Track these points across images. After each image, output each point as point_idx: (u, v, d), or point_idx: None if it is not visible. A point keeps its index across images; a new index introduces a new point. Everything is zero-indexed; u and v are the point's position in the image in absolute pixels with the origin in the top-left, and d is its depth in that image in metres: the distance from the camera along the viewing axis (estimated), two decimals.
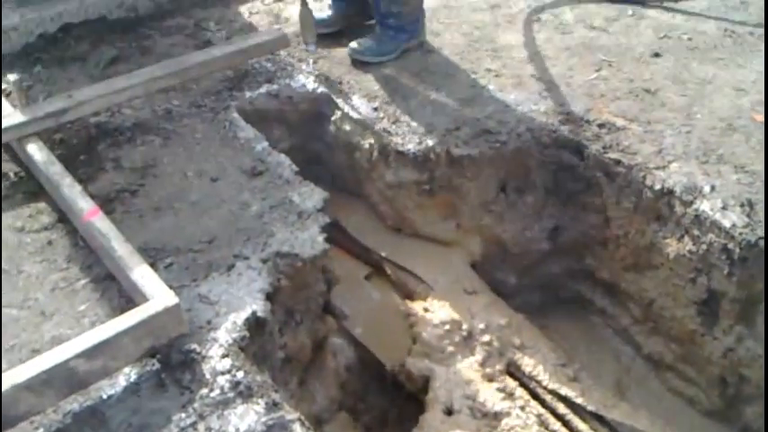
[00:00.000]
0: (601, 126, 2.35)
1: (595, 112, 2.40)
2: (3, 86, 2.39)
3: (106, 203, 1.95)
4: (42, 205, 1.97)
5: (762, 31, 2.81)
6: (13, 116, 2.06)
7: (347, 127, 2.47)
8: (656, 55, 2.70)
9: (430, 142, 2.31)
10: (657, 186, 2.14)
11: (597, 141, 2.30)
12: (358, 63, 2.62)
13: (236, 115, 2.37)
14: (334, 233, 2.22)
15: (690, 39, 2.80)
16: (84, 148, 2.16)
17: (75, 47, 2.64)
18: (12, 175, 2.06)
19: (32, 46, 2.64)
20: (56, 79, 2.47)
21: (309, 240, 1.92)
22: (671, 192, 2.11)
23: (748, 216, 1.99)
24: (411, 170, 2.33)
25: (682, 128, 2.32)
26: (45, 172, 1.93)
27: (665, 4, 3.02)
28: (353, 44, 2.64)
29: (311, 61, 2.66)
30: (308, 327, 1.99)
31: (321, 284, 2.01)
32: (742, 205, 2.02)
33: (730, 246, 1.98)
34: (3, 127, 2.00)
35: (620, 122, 2.35)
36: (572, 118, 2.38)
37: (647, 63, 2.65)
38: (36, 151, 1.99)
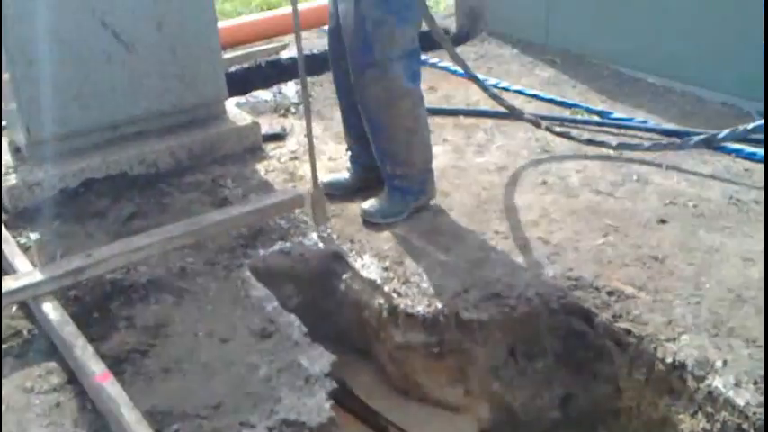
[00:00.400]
0: (610, 293, 2.38)
1: (604, 278, 2.44)
2: (23, 241, 2.49)
3: (116, 364, 1.98)
4: (53, 365, 2.00)
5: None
6: (31, 275, 2.14)
7: (357, 286, 2.54)
8: (663, 221, 2.76)
9: (439, 305, 2.35)
10: (669, 359, 2.14)
11: (607, 309, 2.33)
12: (369, 223, 2.73)
13: (248, 273, 2.45)
14: (341, 394, 2.23)
15: (695, 206, 2.86)
16: (97, 305, 2.22)
17: (96, 202, 2.77)
18: (25, 332, 2.11)
19: (53, 201, 2.76)
20: (74, 235, 2.57)
21: (316, 408, 1.93)
22: (683, 365, 2.11)
23: (761, 394, 1.96)
24: (420, 332, 2.36)
25: (691, 298, 2.33)
26: (59, 332, 1.98)
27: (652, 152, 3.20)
28: (364, 205, 2.77)
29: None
30: None
31: None
32: (755, 382, 2.01)
33: (744, 426, 1.95)
34: (21, 285, 2.07)
35: (628, 290, 2.38)
36: (581, 284, 2.42)
37: (654, 230, 2.71)
38: (51, 311, 2.05)
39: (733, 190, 2.95)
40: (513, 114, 3.33)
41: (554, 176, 3.11)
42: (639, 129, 3.45)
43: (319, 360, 2.09)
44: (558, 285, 2.42)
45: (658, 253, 2.56)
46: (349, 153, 3.00)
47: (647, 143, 3.20)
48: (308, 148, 2.65)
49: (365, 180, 2.92)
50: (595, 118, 3.58)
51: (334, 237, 2.69)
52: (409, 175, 2.75)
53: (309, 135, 2.62)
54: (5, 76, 2.78)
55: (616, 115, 3.58)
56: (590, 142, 3.25)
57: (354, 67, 2.61)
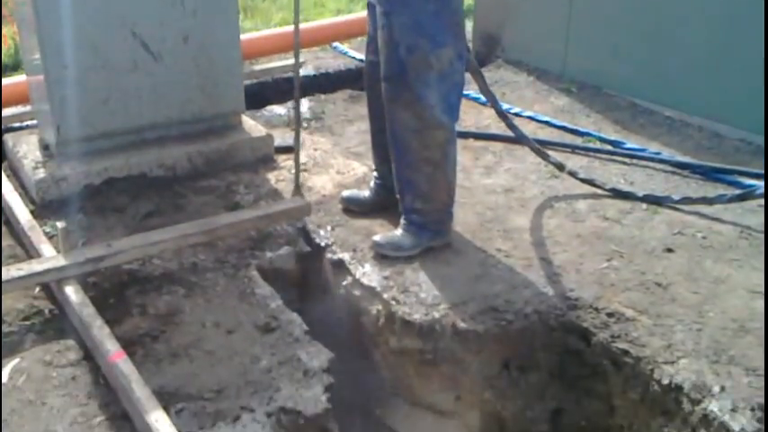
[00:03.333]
0: (610, 315, 2.53)
1: (605, 300, 2.59)
2: (48, 230, 2.83)
3: (129, 345, 2.27)
4: (71, 342, 2.31)
5: None
6: (55, 260, 2.47)
7: (357, 292, 2.81)
8: (669, 250, 2.88)
9: (436, 314, 2.58)
10: (665, 381, 2.27)
11: (605, 330, 2.48)
12: (380, 256, 2.87)
13: (255, 273, 2.74)
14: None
15: (704, 237, 2.98)
16: (114, 292, 2.54)
17: (116, 199, 3.12)
18: (47, 312, 2.43)
19: (78, 195, 3.11)
20: (95, 227, 2.91)
21: (313, 399, 2.19)
22: (679, 387, 2.23)
23: (758, 421, 2.07)
24: (415, 339, 2.62)
25: (693, 325, 2.44)
26: (78, 313, 2.29)
27: (682, 206, 3.25)
28: (377, 237, 2.90)
29: (329, 228, 3.05)
30: None
31: None
32: (752, 409, 2.10)
33: None
34: (46, 268, 2.40)
35: (629, 313, 2.53)
36: (580, 304, 2.58)
37: (660, 257, 2.83)
38: (72, 293, 2.37)
39: (745, 224, 3.07)
40: (539, 154, 3.45)
41: (561, 201, 3.30)
42: (652, 160, 3.65)
43: (318, 356, 2.37)
44: (558, 304, 2.59)
45: (663, 280, 2.70)
46: (375, 173, 3.19)
47: (676, 196, 3.26)
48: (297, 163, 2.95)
49: (384, 200, 3.08)
50: (607, 147, 3.81)
51: (335, 245, 2.95)
52: (428, 212, 2.84)
53: (297, 141, 2.93)
54: (40, 77, 3.14)
55: (629, 145, 3.80)
56: (614, 191, 3.32)
57: (388, 92, 2.71)
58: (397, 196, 2.91)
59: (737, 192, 3.22)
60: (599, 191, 3.37)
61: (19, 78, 4.14)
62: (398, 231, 2.91)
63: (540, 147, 3.47)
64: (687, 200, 3.24)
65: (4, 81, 4.12)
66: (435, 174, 2.81)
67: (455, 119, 2.81)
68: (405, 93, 2.68)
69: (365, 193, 3.18)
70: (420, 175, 2.80)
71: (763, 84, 3.52)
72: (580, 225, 3.12)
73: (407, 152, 2.78)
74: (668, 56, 4.16)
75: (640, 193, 3.30)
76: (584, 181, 3.40)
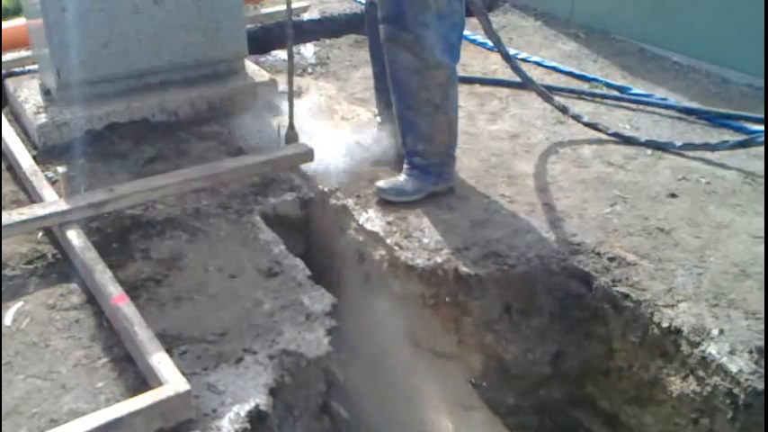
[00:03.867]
0: (611, 260, 2.53)
1: (607, 245, 2.59)
2: (50, 175, 2.80)
3: (132, 290, 2.27)
4: (74, 286, 2.31)
5: None
6: (57, 204, 2.45)
7: (360, 238, 2.80)
8: (673, 195, 2.88)
9: (438, 259, 2.58)
10: (665, 324, 2.28)
11: (606, 274, 2.48)
12: (384, 201, 2.85)
13: (258, 218, 2.73)
14: None
15: (708, 183, 2.97)
16: (117, 237, 2.53)
17: (119, 144, 3.09)
18: (50, 256, 2.43)
19: (79, 141, 3.08)
20: (98, 172, 2.89)
21: (315, 342, 2.19)
22: (678, 331, 2.25)
23: (756, 363, 2.09)
24: (418, 283, 2.62)
25: (694, 269, 2.46)
26: (81, 257, 2.28)
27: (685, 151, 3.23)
28: (380, 183, 2.88)
29: (333, 174, 3.03)
30: (304, 425, 2.23)
31: (322, 385, 2.27)
32: (750, 352, 2.12)
33: (735, 391, 2.09)
34: (48, 213, 2.38)
35: (630, 258, 2.53)
36: (582, 249, 2.58)
37: (663, 203, 2.83)
38: (75, 237, 2.35)
39: (749, 170, 3.05)
40: (543, 97, 3.42)
41: (566, 147, 3.28)
42: (659, 105, 3.61)
43: (321, 300, 2.36)
44: (560, 249, 2.59)
45: (665, 225, 2.70)
46: (378, 119, 3.16)
47: (678, 142, 3.25)
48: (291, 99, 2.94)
49: (388, 145, 3.07)
50: (614, 93, 3.76)
51: (338, 190, 2.93)
52: (430, 154, 2.82)
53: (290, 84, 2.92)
54: (39, 21, 3.08)
55: (635, 91, 3.75)
56: (617, 136, 3.30)
57: (386, 33, 2.68)
58: (400, 138, 2.89)
59: (740, 138, 3.19)
60: (603, 136, 3.33)
61: (19, 22, 4.06)
62: (402, 177, 2.88)
63: (544, 90, 3.42)
64: (690, 146, 3.22)
65: (5, 25, 4.05)
66: (436, 115, 2.78)
67: (455, 59, 2.77)
68: (403, 33, 2.64)
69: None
70: (421, 117, 2.78)
71: None
72: (584, 170, 3.10)
73: (408, 93, 2.74)
74: (676, 0, 4.07)
75: (643, 138, 3.27)
76: (587, 125, 3.36)
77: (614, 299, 2.45)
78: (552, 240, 2.65)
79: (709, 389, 2.18)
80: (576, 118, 3.39)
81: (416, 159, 2.85)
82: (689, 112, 3.56)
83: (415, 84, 2.71)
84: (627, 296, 2.42)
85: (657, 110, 3.61)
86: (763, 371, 2.10)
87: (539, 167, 3.12)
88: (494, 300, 2.62)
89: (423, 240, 2.67)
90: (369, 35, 3.01)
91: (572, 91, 3.77)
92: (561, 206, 2.84)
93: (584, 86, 3.85)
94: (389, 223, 2.75)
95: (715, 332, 2.20)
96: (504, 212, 2.81)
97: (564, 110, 3.41)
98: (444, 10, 2.64)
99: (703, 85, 3.87)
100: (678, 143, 3.23)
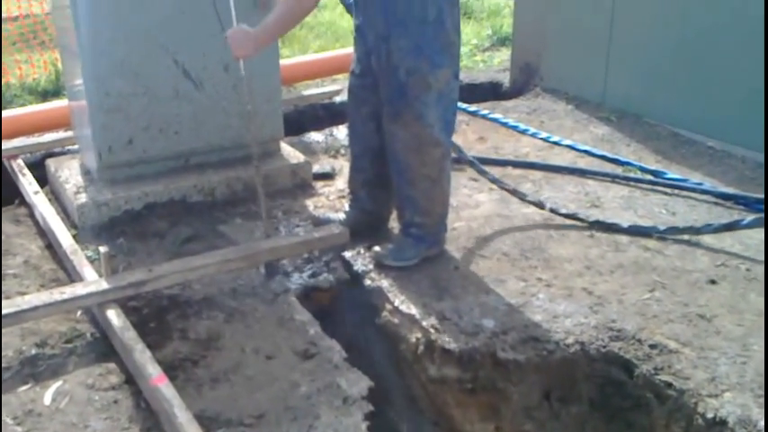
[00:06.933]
0: (653, 347, 2.53)
1: (647, 332, 2.60)
2: (90, 254, 2.90)
3: (170, 370, 2.32)
4: (112, 366, 2.36)
5: None
6: (97, 283, 2.53)
7: (396, 320, 2.83)
8: (713, 282, 2.89)
9: (476, 343, 2.60)
10: (710, 415, 2.26)
11: (648, 361, 2.48)
12: (380, 265, 2.99)
13: (293, 299, 2.78)
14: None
15: (748, 269, 2.98)
16: (155, 316, 2.60)
17: (156, 224, 3.20)
18: (88, 335, 2.49)
19: (118, 220, 3.21)
20: (136, 252, 2.99)
21: (353, 427, 2.20)
22: (724, 422, 2.22)
23: None
24: (455, 368, 2.63)
25: (737, 358, 2.45)
26: (120, 337, 2.34)
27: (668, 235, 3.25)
28: (377, 248, 3.07)
29: (367, 255, 3.08)
30: None
31: None
32: None
33: None
34: (89, 292, 2.46)
35: (672, 345, 2.53)
36: (623, 335, 2.59)
37: (703, 289, 2.84)
38: (114, 317, 2.42)
39: None
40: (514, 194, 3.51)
41: (602, 229, 3.30)
42: (695, 190, 3.65)
43: (357, 383, 2.38)
44: (600, 335, 2.60)
45: (706, 312, 2.70)
46: (350, 197, 3.29)
47: (662, 227, 3.27)
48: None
49: (358, 224, 3.18)
50: (648, 177, 3.82)
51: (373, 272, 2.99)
52: (426, 224, 3.00)
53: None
54: (82, 103, 3.25)
55: (670, 175, 3.80)
56: (598, 223, 3.32)
57: (389, 113, 2.86)
58: (397, 210, 3.08)
59: (724, 222, 3.25)
60: (639, 220, 3.38)
61: (60, 103, 4.28)
62: (397, 243, 3.06)
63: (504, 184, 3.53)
64: (674, 230, 3.26)
65: (47, 105, 4.27)
66: (433, 189, 2.96)
67: (451, 135, 2.97)
68: (405, 113, 2.81)
69: (340, 216, 3.25)
70: (419, 191, 2.95)
71: None
72: (621, 255, 3.13)
73: (407, 169, 2.92)
74: (710, 85, 4.18)
75: (625, 225, 3.31)
76: (566, 216, 3.41)
77: (657, 387, 2.44)
78: (591, 326, 2.66)
79: None
80: (554, 211, 3.43)
81: (413, 230, 3.02)
82: (726, 197, 3.59)
83: (415, 161, 2.89)
84: (670, 385, 2.41)
85: (693, 194, 3.65)
86: None
87: (575, 251, 3.15)
88: (533, 386, 2.62)
89: (459, 323, 2.69)
90: (350, 114, 3.15)
91: (606, 175, 3.84)
92: (599, 291, 2.86)
93: (618, 170, 3.92)
94: (425, 305, 2.79)
95: (761, 424, 2.18)
96: (542, 296, 2.83)
97: (540, 205, 3.47)
98: (444, 89, 2.83)
99: (739, 171, 3.91)
100: (662, 228, 3.28)
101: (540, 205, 3.44)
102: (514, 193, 3.52)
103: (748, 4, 3.91)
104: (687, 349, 2.52)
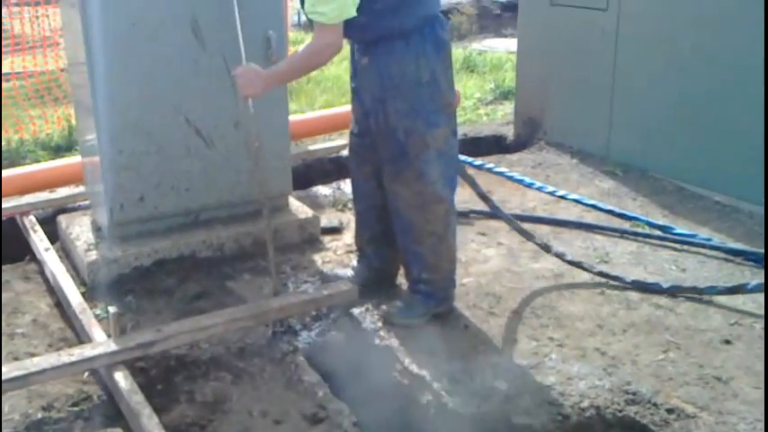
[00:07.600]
0: (669, 411, 2.47)
1: (663, 395, 2.53)
2: (98, 313, 2.84)
3: None
4: (119, 430, 2.28)
5: None
6: (106, 345, 2.47)
7: (405, 381, 2.76)
8: (727, 342, 2.84)
9: (488, 407, 2.52)
10: None
11: (666, 427, 2.42)
12: (390, 324, 2.94)
13: (302, 359, 2.71)
14: None
15: (762, 328, 2.92)
16: (162, 378, 2.53)
17: (165, 280, 3.15)
18: (95, 397, 2.42)
19: (128, 277, 3.16)
20: (144, 309, 2.93)
21: None
22: None
23: None
24: None
25: (756, 422, 2.39)
26: (127, 400, 2.28)
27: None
28: (385, 307, 3.02)
29: (376, 313, 3.02)
30: None
31: None
32: None
33: None
34: (97, 354, 2.40)
35: (690, 409, 2.47)
36: (639, 399, 2.53)
37: (718, 349, 2.79)
38: (122, 379, 2.36)
39: None
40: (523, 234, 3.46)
41: (613, 287, 3.25)
42: (703, 246, 3.61)
43: None
44: (615, 398, 2.53)
45: (722, 374, 2.65)
46: (358, 253, 3.27)
47: (665, 284, 3.23)
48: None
49: (366, 280, 3.15)
50: (657, 232, 3.78)
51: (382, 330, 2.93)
52: (434, 281, 2.97)
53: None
54: (95, 159, 3.23)
55: (679, 231, 3.77)
56: (602, 275, 3.30)
57: (390, 173, 2.86)
58: (404, 268, 3.06)
59: (729, 285, 3.19)
60: (649, 276, 3.32)
61: (72, 160, 4.27)
62: (406, 301, 3.02)
63: (522, 227, 3.49)
64: (676, 288, 3.21)
65: (60, 162, 4.27)
66: (440, 245, 2.94)
67: (454, 191, 2.95)
68: (407, 171, 2.81)
69: (348, 272, 3.23)
70: (425, 248, 2.93)
71: None
72: (633, 313, 3.08)
73: (412, 227, 2.91)
74: (714, 140, 4.16)
75: (629, 279, 3.27)
76: (570, 263, 3.38)
77: None
78: (606, 388, 2.59)
79: None
80: (560, 256, 3.41)
81: (422, 287, 2.99)
82: (735, 253, 3.55)
83: (419, 218, 2.88)
84: None
85: (703, 250, 3.60)
86: None
87: (586, 309, 3.10)
88: None
89: (471, 386, 2.62)
90: (353, 172, 3.15)
91: (614, 230, 3.80)
92: (612, 351, 2.80)
93: (625, 225, 3.88)
94: (435, 366, 2.72)
95: None
96: (555, 357, 2.78)
97: (547, 248, 3.44)
98: (443, 147, 2.82)
99: (748, 226, 3.87)
100: (665, 284, 3.23)
101: (591, 269, 3.35)
102: (563, 257, 3.41)
103: (749, 59, 3.91)
104: (705, 413, 2.46)
